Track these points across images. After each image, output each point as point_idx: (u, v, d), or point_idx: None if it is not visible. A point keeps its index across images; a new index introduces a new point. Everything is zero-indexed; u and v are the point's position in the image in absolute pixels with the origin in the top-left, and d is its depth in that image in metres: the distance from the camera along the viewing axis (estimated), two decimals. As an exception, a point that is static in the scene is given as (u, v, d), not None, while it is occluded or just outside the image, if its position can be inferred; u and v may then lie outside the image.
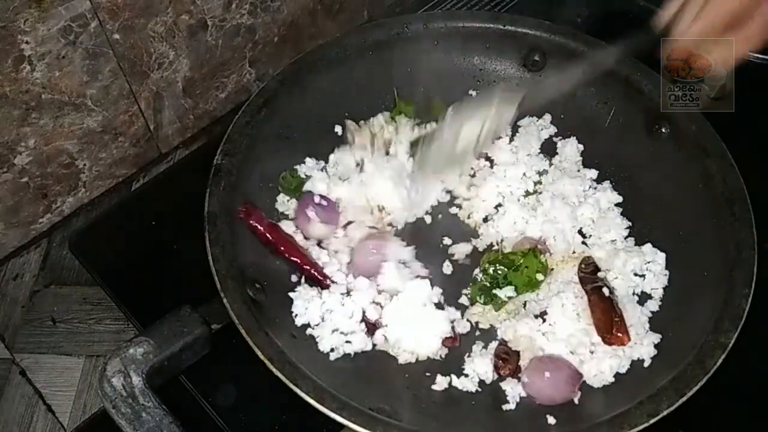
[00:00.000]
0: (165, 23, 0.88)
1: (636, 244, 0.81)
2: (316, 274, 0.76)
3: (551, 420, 0.68)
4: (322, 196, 0.81)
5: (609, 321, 0.73)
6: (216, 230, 0.71)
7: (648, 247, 0.79)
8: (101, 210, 0.97)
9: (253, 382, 0.72)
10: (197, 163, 0.82)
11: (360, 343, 0.73)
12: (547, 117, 0.91)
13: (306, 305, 0.74)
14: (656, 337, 0.72)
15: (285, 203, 0.83)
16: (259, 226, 0.76)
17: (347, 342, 0.73)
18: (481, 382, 0.72)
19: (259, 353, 0.63)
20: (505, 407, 0.70)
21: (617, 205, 0.84)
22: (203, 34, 0.94)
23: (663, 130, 0.83)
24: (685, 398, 0.62)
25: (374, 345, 0.74)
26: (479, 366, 0.72)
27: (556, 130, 0.90)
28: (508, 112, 0.74)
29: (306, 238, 0.81)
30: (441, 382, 0.71)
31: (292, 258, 0.77)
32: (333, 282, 0.76)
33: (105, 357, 0.65)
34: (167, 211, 0.89)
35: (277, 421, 0.74)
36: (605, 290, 0.75)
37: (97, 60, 0.84)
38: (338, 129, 0.88)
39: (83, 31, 0.81)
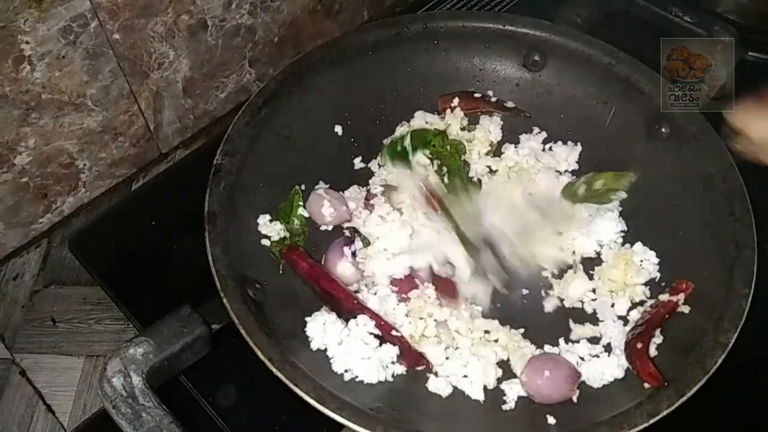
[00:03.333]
0: (165, 23, 0.88)
1: (634, 243, 0.80)
2: (362, 311, 0.72)
3: (551, 420, 0.68)
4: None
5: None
6: (216, 230, 0.71)
7: (639, 245, 0.80)
8: (101, 210, 0.97)
9: (253, 382, 0.72)
10: (197, 163, 0.82)
11: (374, 374, 0.70)
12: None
13: (323, 328, 0.71)
14: (656, 338, 0.72)
15: (268, 225, 0.79)
16: (300, 262, 0.75)
17: (364, 368, 0.70)
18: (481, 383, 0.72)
19: (259, 353, 0.63)
20: (504, 407, 0.70)
21: (618, 204, 0.84)
22: (203, 34, 0.94)
23: (663, 130, 0.83)
24: (685, 398, 0.62)
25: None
26: (480, 368, 0.72)
27: (546, 135, 0.90)
28: None
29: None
30: (441, 383, 0.71)
31: (336, 293, 0.74)
32: (385, 323, 0.73)
33: (105, 357, 0.65)
34: (167, 211, 0.89)
35: (277, 421, 0.74)
36: None
37: (97, 60, 0.84)
38: (338, 129, 0.88)
39: (83, 31, 0.81)
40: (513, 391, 0.71)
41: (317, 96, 0.86)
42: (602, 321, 0.76)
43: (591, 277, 0.80)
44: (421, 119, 0.91)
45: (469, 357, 0.72)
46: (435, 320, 0.74)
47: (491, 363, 0.72)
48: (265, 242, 0.78)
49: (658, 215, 0.81)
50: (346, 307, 0.73)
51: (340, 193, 0.84)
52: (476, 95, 0.91)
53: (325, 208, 0.81)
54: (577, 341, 0.75)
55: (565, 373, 0.69)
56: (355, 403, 0.63)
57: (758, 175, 0.77)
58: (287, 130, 0.84)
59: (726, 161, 0.77)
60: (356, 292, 0.77)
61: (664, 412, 0.62)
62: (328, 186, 0.85)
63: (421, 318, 0.74)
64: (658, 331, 0.72)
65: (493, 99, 0.91)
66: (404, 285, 0.76)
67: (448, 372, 0.72)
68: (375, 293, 0.76)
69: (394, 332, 0.72)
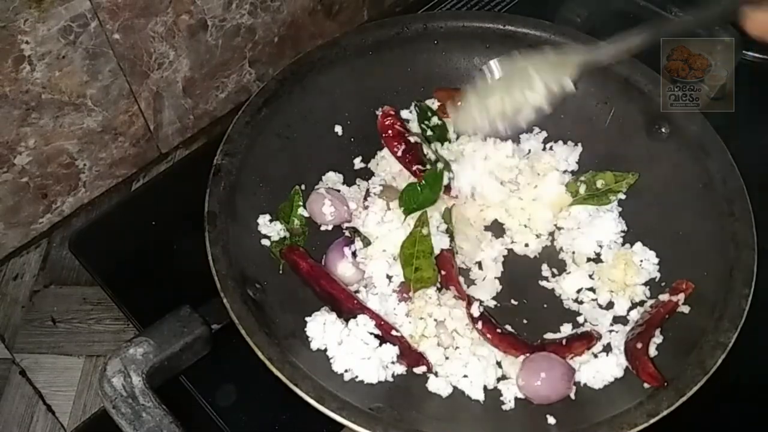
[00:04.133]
0: (165, 23, 0.88)
1: (634, 244, 0.81)
2: (362, 311, 0.73)
3: (551, 420, 0.68)
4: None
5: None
6: (216, 230, 0.71)
7: (638, 245, 0.80)
8: (101, 210, 0.97)
9: (253, 382, 0.72)
10: (197, 163, 0.82)
11: (374, 374, 0.70)
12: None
13: (323, 328, 0.71)
14: (656, 337, 0.72)
15: (268, 225, 0.79)
16: (300, 262, 0.75)
17: (364, 368, 0.70)
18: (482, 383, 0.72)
19: (259, 353, 0.63)
20: (504, 407, 0.70)
21: (618, 204, 0.84)
22: (203, 34, 0.94)
23: (663, 130, 0.83)
24: (685, 398, 0.62)
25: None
26: (480, 368, 0.72)
27: (547, 135, 0.90)
28: (563, 76, 0.73)
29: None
30: (441, 383, 0.71)
31: (337, 293, 0.74)
32: (385, 322, 0.73)
33: (105, 357, 0.65)
34: (167, 211, 0.89)
35: (277, 421, 0.74)
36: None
37: (97, 60, 0.84)
38: (338, 129, 0.88)
39: (83, 31, 0.81)
40: (511, 391, 0.71)
41: (317, 96, 0.86)
42: (601, 321, 0.76)
43: (591, 277, 0.80)
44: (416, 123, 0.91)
45: (469, 357, 0.72)
46: (435, 320, 0.74)
47: (491, 363, 0.72)
48: (265, 242, 0.78)
49: (658, 215, 0.81)
50: (347, 307, 0.73)
51: (341, 192, 0.84)
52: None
53: (326, 207, 0.80)
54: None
55: (560, 372, 0.69)
56: (355, 403, 0.63)
57: (758, 175, 0.77)
58: (287, 130, 0.84)
59: (726, 161, 0.77)
60: (356, 292, 0.77)
61: (664, 412, 0.62)
62: (338, 180, 0.86)
63: (421, 318, 0.74)
64: (658, 331, 0.72)
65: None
66: (405, 285, 0.76)
67: (448, 372, 0.72)
68: (375, 293, 0.76)
69: (393, 332, 0.72)
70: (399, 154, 0.85)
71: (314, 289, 0.75)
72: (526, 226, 0.84)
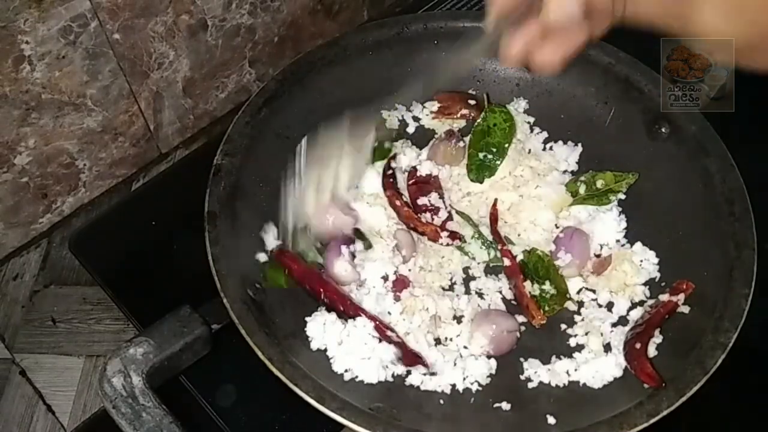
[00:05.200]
0: (165, 23, 0.88)
1: (634, 244, 0.81)
2: (357, 313, 0.72)
3: (551, 420, 0.68)
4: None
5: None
6: (216, 230, 0.71)
7: (638, 245, 0.80)
8: (101, 210, 0.97)
9: (253, 382, 0.72)
10: (197, 163, 0.82)
11: (374, 374, 0.70)
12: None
13: (323, 328, 0.71)
14: (656, 338, 0.72)
15: (268, 225, 0.78)
16: (292, 264, 0.75)
17: (364, 368, 0.70)
18: (480, 383, 0.72)
19: (259, 353, 0.63)
20: (504, 407, 0.70)
21: (618, 204, 0.84)
22: (203, 34, 0.94)
23: (663, 130, 0.83)
24: (685, 398, 0.62)
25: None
26: (478, 366, 0.72)
27: (547, 135, 0.90)
28: (361, 151, 0.75)
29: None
30: (441, 382, 0.71)
31: (330, 295, 0.73)
32: (380, 323, 0.72)
33: (105, 357, 0.65)
34: (167, 211, 0.89)
35: (277, 421, 0.74)
36: None
37: (97, 60, 0.84)
38: (338, 129, 0.88)
39: (83, 31, 0.81)
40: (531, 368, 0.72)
41: (317, 96, 0.86)
42: (601, 321, 0.76)
43: (591, 277, 0.80)
44: (412, 126, 0.91)
45: (468, 357, 0.72)
46: (429, 312, 0.74)
47: (491, 363, 0.72)
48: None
49: (658, 215, 0.81)
50: (339, 309, 0.73)
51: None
52: (471, 102, 0.91)
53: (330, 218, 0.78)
54: (576, 342, 0.75)
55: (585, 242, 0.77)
56: (355, 403, 0.63)
57: (758, 175, 0.77)
58: (287, 130, 0.84)
59: (726, 161, 0.77)
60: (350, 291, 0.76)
61: (664, 412, 0.62)
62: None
63: (413, 313, 0.74)
64: (657, 331, 0.72)
65: (488, 103, 0.91)
66: (397, 284, 0.76)
67: (447, 372, 0.72)
68: (368, 292, 0.76)
69: (389, 332, 0.72)
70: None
71: (307, 291, 0.75)
72: (531, 222, 0.84)
